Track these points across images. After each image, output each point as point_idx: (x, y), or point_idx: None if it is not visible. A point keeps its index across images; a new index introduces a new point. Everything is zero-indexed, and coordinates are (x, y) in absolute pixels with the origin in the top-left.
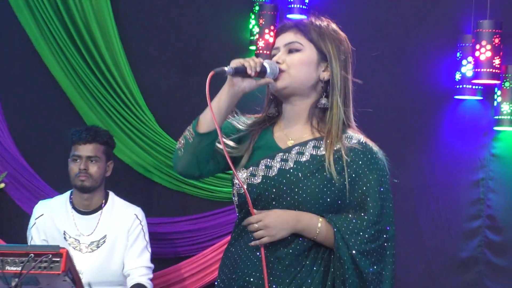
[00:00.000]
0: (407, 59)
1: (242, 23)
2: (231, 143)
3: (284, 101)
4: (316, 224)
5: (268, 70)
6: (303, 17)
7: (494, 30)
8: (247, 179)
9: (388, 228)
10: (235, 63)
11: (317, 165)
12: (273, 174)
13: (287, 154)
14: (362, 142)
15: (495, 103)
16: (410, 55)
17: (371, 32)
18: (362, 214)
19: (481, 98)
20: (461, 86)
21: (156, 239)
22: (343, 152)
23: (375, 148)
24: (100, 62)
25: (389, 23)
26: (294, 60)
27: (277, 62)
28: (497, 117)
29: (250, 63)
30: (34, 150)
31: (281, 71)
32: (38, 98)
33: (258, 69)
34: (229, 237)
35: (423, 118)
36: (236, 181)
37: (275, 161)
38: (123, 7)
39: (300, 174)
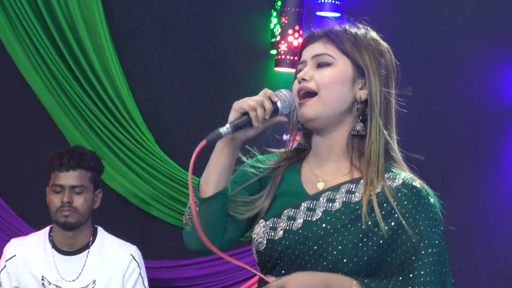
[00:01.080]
0: (461, 68)
1: (261, 22)
2: (246, 198)
3: (315, 132)
4: None
5: (280, 106)
6: (336, 15)
7: None
8: (266, 233)
9: None
10: (234, 114)
11: (350, 214)
12: (297, 227)
13: (315, 201)
14: (408, 181)
15: None
16: (465, 62)
17: (418, 34)
18: (410, 275)
19: None
20: None
21: (156, 287)
22: (388, 194)
23: (425, 189)
24: (88, 70)
25: (438, 24)
26: (324, 77)
27: (303, 79)
28: None
29: (257, 113)
30: (5, 177)
31: (308, 97)
32: (11, 113)
33: (267, 116)
34: (245, 284)
35: (483, 136)
36: (254, 235)
37: (300, 210)
38: (116, 4)
39: (329, 226)
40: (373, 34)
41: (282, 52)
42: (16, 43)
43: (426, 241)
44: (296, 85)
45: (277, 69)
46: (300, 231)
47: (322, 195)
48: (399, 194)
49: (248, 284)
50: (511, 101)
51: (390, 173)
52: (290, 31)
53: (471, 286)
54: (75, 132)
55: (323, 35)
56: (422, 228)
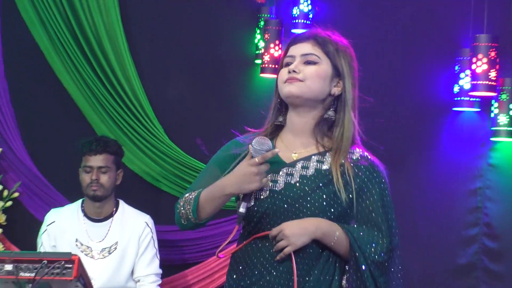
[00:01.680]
0: (407, 72)
1: (248, 38)
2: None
3: (292, 110)
4: (334, 231)
5: (255, 151)
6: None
7: (490, 44)
8: (254, 193)
9: (393, 238)
10: (246, 199)
11: (323, 179)
12: (280, 188)
13: (291, 168)
14: (364, 156)
15: (492, 115)
16: (410, 68)
17: (372, 46)
18: (372, 227)
19: (478, 110)
20: (459, 98)
21: (164, 246)
22: (347, 166)
23: (376, 161)
24: (110, 75)
25: (389, 37)
26: (311, 72)
27: (294, 71)
28: (494, 128)
29: (262, 182)
30: (46, 160)
31: (296, 80)
32: (50, 109)
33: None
34: (234, 245)
35: (423, 129)
36: (238, 209)
37: (280, 175)
38: (132, 20)
39: (306, 188)
40: (346, 43)
41: (266, 61)
42: (54, 55)
43: (379, 203)
44: (285, 74)
45: (262, 75)
46: (283, 191)
47: (297, 163)
48: (358, 164)
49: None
50: (444, 101)
51: (351, 150)
52: (272, 45)
53: (412, 247)
54: (101, 124)
55: (312, 37)
56: (377, 190)
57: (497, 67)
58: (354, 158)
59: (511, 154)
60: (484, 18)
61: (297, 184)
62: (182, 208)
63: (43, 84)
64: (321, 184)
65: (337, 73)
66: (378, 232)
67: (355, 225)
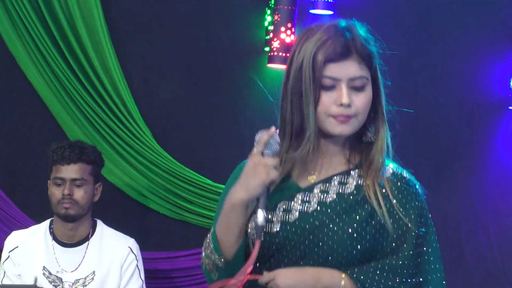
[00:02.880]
0: (452, 66)
1: (256, 20)
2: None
3: (326, 137)
4: (339, 283)
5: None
6: (329, 12)
7: None
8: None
9: (421, 278)
10: (260, 204)
11: (345, 205)
12: (294, 219)
13: (308, 193)
14: (396, 171)
15: None
16: (456, 61)
17: (411, 34)
18: (394, 257)
19: None
20: None
21: (152, 277)
22: (385, 185)
23: (411, 178)
24: (87, 67)
25: (429, 22)
26: (363, 104)
27: (348, 105)
28: None
29: (270, 175)
30: (7, 171)
31: (350, 118)
32: (11, 108)
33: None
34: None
35: (472, 133)
36: (250, 230)
37: (295, 202)
38: (114, 2)
39: (325, 217)
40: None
41: (274, 49)
42: (17, 41)
43: (414, 233)
44: (330, 104)
45: (270, 65)
46: (297, 223)
47: (315, 186)
48: (390, 184)
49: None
50: (499, 98)
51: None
52: (283, 29)
53: (459, 278)
54: (75, 127)
55: (355, 50)
56: (412, 216)
57: None
58: (386, 176)
59: None
60: None
61: (314, 214)
62: (206, 260)
63: (3, 78)
64: (341, 212)
65: (374, 83)
66: (398, 264)
67: (369, 264)
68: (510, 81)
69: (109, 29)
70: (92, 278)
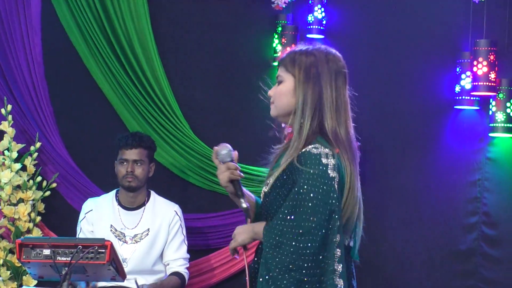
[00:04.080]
0: (413, 74)
1: (267, 42)
2: None
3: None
4: (262, 230)
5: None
6: (320, 37)
7: (490, 48)
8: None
9: (302, 223)
10: (231, 194)
11: (276, 181)
12: (266, 189)
13: (274, 170)
14: (305, 149)
15: (490, 112)
16: (415, 70)
17: (380, 49)
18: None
19: (478, 108)
20: (460, 98)
21: (191, 232)
22: (294, 161)
23: (311, 150)
24: (141, 76)
25: (397, 41)
26: (276, 92)
27: (269, 95)
28: (492, 124)
29: (222, 180)
30: (83, 153)
31: (272, 104)
32: (86, 107)
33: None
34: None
35: (427, 126)
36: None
37: (269, 178)
38: (161, 26)
39: (270, 193)
40: (312, 47)
41: (284, 54)
42: (90, 58)
43: (294, 189)
44: None
45: (280, 70)
46: (265, 193)
47: (273, 169)
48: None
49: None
50: (447, 99)
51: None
52: (288, 49)
53: (416, 234)
54: (132, 121)
55: (280, 60)
56: (297, 180)
57: (496, 69)
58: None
59: (507, 149)
60: (484, 23)
61: (270, 186)
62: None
63: (79, 84)
64: (277, 181)
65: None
66: (278, 216)
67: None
68: (455, 87)
69: (157, 47)
70: (147, 234)
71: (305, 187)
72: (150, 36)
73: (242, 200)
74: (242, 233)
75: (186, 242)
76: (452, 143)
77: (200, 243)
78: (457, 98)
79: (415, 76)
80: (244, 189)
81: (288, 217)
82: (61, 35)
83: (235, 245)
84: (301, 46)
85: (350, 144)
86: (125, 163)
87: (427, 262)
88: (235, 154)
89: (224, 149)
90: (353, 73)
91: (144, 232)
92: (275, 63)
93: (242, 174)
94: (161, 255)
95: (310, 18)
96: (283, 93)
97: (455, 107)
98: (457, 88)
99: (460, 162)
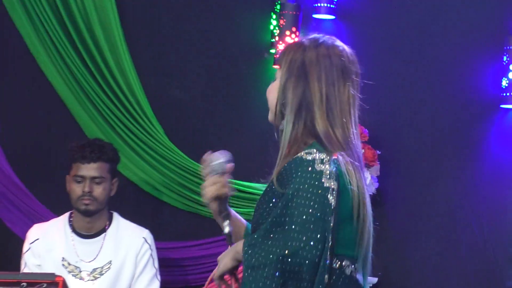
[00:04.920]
0: (445, 65)
1: (263, 24)
2: None
3: None
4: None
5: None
6: (331, 17)
7: None
8: None
9: (289, 243)
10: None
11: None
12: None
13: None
14: (297, 156)
15: None
16: (449, 60)
17: (406, 34)
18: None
19: None
20: (508, 94)
21: (165, 265)
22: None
23: (303, 156)
24: (103, 67)
25: (425, 24)
26: (267, 91)
27: None
28: None
29: (205, 196)
30: (28, 166)
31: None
32: (33, 107)
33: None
34: None
35: (465, 129)
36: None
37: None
38: (129, 6)
39: (258, 204)
40: (307, 39)
41: (279, 51)
42: (37, 43)
43: (282, 203)
44: None
45: (276, 66)
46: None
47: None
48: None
49: None
50: (492, 97)
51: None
52: (288, 32)
53: (453, 265)
54: (92, 124)
55: (278, 60)
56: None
57: None
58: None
59: None
60: None
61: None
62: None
63: (25, 78)
64: (263, 202)
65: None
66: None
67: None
68: (501, 81)
69: (124, 31)
70: (109, 268)
71: (294, 199)
72: (115, 19)
73: (226, 223)
74: (224, 256)
75: (159, 278)
76: (498, 151)
77: (177, 279)
78: (504, 94)
79: (448, 67)
80: (232, 210)
81: (272, 235)
82: (6, 21)
83: (218, 273)
84: (300, 39)
85: (352, 149)
86: (81, 181)
87: None
88: (229, 166)
89: (219, 158)
90: (370, 63)
91: (105, 266)
92: (273, 51)
93: (233, 192)
94: None
95: None
96: (270, 91)
97: (502, 106)
98: (504, 82)
99: (509, 175)
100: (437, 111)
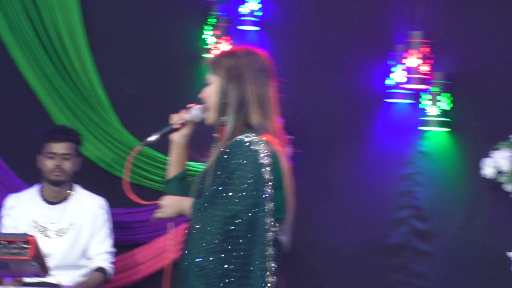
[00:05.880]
0: (345, 67)
1: (198, 34)
2: None
3: None
4: (189, 206)
5: (189, 116)
6: (255, 29)
7: (424, 40)
8: None
9: (230, 207)
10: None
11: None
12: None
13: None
14: (236, 139)
15: (423, 106)
16: (348, 64)
17: (316, 43)
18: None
19: (410, 101)
20: (393, 91)
21: (118, 227)
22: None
23: (242, 139)
24: (69, 66)
25: (331, 34)
26: (207, 94)
27: (201, 98)
28: (424, 118)
29: (174, 118)
30: (8, 147)
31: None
32: (11, 99)
33: (180, 121)
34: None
35: (357, 120)
36: None
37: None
38: (92, 17)
39: (201, 178)
40: (236, 49)
41: (213, 58)
42: (16, 46)
43: (223, 176)
44: None
45: (209, 71)
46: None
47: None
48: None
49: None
50: (377, 93)
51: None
52: (221, 41)
53: (347, 228)
54: (59, 113)
55: (209, 63)
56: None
57: (430, 62)
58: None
59: (439, 143)
60: (418, 15)
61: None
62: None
63: (4, 74)
64: (207, 177)
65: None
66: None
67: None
68: (387, 80)
69: (88, 37)
70: (71, 228)
71: (235, 173)
72: (79, 26)
73: (155, 137)
74: (170, 206)
75: (113, 236)
76: (383, 137)
77: (127, 238)
78: (390, 91)
79: (347, 69)
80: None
81: (216, 201)
82: None
83: (161, 216)
84: (228, 48)
85: (277, 134)
86: (52, 157)
87: (356, 257)
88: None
89: (198, 110)
90: (288, 66)
91: (68, 227)
92: (205, 56)
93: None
94: (86, 250)
95: (243, 9)
96: (209, 94)
97: (387, 100)
98: (390, 81)
99: (392, 156)
100: (335, 105)
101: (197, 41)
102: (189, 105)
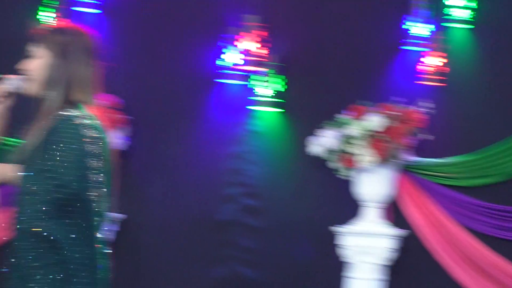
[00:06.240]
0: (181, 49)
1: (33, 14)
2: None
3: None
4: (9, 173)
5: (12, 87)
6: (96, 11)
7: (260, 24)
8: None
9: (55, 175)
10: None
11: None
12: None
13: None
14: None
15: (254, 87)
16: (182, 46)
17: (153, 26)
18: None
19: (243, 82)
20: (224, 72)
21: None
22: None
23: (63, 113)
24: None
25: (168, 18)
26: (36, 67)
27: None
28: (256, 99)
29: None
30: None
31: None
32: None
33: (4, 93)
34: None
35: (190, 98)
36: None
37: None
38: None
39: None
40: (67, 27)
41: (41, 33)
42: None
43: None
44: None
45: (36, 45)
46: None
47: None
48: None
49: None
50: (209, 74)
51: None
52: (59, 22)
53: (178, 204)
54: None
55: (38, 37)
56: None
57: (265, 44)
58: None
59: (271, 123)
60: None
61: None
62: None
63: None
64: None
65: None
66: None
67: None
68: (222, 61)
69: None
70: None
71: (61, 145)
72: None
73: None
74: None
75: None
76: (214, 116)
77: None
78: (219, 72)
79: (183, 51)
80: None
81: (44, 170)
82: None
83: None
84: (59, 25)
85: (101, 113)
86: None
87: (187, 233)
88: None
89: (20, 81)
90: (128, 48)
91: None
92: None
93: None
94: None
95: None
96: (38, 67)
97: (217, 80)
98: (220, 62)
99: (223, 135)
100: (170, 86)
101: (35, 22)
102: (5, 76)
